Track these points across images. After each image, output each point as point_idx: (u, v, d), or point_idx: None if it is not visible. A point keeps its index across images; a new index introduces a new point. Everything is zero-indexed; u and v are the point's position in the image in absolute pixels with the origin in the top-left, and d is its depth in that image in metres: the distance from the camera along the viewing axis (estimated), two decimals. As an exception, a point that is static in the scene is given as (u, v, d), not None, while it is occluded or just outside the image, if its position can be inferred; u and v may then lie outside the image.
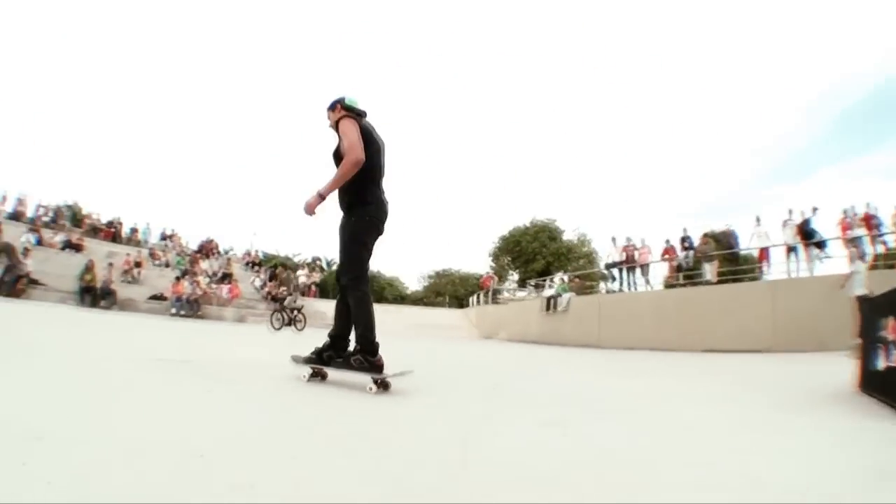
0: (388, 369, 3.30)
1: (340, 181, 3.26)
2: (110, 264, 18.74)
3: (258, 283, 22.81)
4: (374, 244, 3.47)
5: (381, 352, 3.43)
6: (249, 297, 20.69)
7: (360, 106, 3.56)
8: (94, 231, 24.86)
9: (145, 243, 25.53)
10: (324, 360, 3.40)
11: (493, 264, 34.49)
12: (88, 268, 16.89)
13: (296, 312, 15.22)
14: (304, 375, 3.49)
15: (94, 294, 16.53)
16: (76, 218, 25.21)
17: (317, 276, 27.38)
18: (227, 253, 26.45)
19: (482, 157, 72.42)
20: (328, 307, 14.81)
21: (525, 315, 18.35)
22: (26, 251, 16.41)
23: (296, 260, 35.59)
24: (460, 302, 32.26)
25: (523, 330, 17.59)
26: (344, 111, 3.47)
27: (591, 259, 31.41)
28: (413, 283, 40.72)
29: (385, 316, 18.75)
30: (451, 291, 36.24)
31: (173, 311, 17.37)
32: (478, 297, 24.96)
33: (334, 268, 14.20)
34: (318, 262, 35.34)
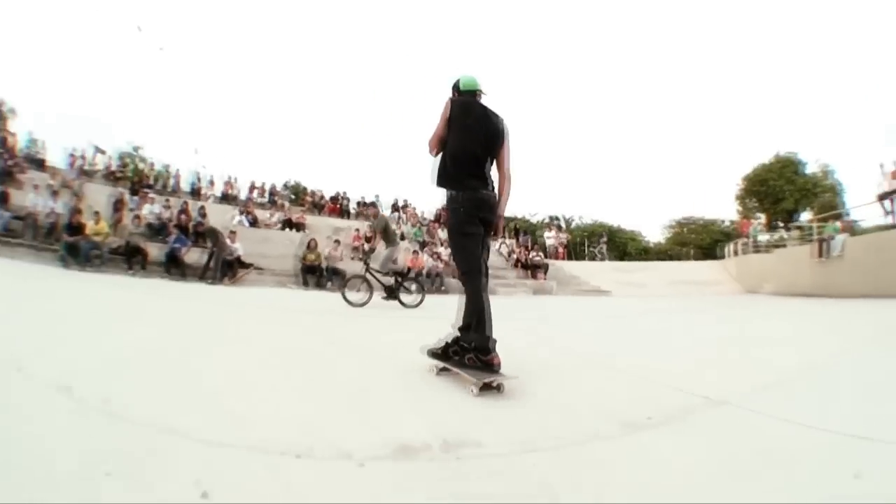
0: (504, 369, 2.86)
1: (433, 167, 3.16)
2: (336, 241, 15.20)
3: (504, 249, 19.50)
4: (480, 232, 3.12)
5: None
6: (496, 266, 17.10)
7: (481, 85, 3.29)
8: (318, 208, 21.51)
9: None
10: (448, 355, 3.11)
11: (740, 207, 32.75)
12: (310, 246, 13.82)
13: (400, 279, 9.18)
14: (433, 367, 3.23)
15: (318, 274, 13.27)
16: (297, 195, 22.96)
17: (563, 237, 23.83)
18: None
19: (715, 89, 66.81)
20: (581, 270, 18.24)
21: (793, 263, 15.76)
22: (232, 234, 13.41)
23: (533, 220, 33.81)
24: (705, 252, 30.10)
25: (791, 281, 15.10)
26: (456, 92, 3.27)
27: (836, 191, 29.16)
28: (654, 233, 39.08)
29: (640, 274, 17.99)
30: (695, 241, 33.89)
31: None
32: (734, 246, 21.23)
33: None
34: (555, 221, 32.36)
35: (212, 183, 21.62)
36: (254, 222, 17.44)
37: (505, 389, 2.78)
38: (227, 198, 20.87)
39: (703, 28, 68.68)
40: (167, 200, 15.50)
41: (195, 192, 21.13)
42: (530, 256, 18.53)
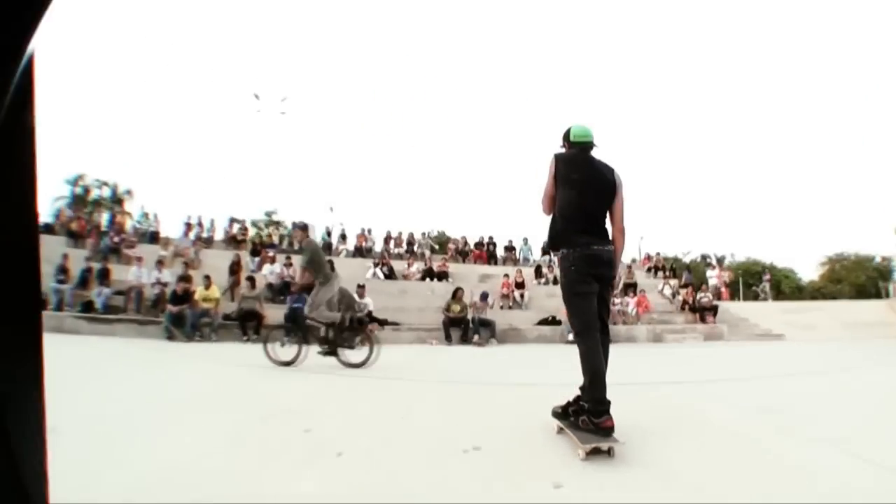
0: (618, 434, 2.77)
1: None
2: (483, 296, 12.32)
3: (668, 290, 16.88)
4: (594, 290, 3.02)
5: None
6: (661, 309, 15.72)
7: (592, 136, 3.19)
8: (462, 255, 19.63)
9: (525, 261, 19.58)
10: (568, 414, 3.10)
11: None
12: (456, 296, 11.69)
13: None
14: (556, 427, 3.19)
15: (464, 326, 10.99)
16: (441, 245, 21.88)
17: (726, 275, 20.65)
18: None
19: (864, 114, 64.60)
20: (748, 311, 16.16)
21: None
22: (361, 288, 11.67)
23: (685, 260, 33.18)
24: (859, 290, 29.30)
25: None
26: (567, 143, 3.22)
27: None
28: (807, 270, 38.65)
29: (810, 315, 16.42)
30: (851, 278, 32.99)
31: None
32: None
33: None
34: (707, 260, 31.27)
35: (343, 237, 20.57)
36: (390, 274, 15.55)
37: (616, 454, 2.65)
38: (360, 251, 19.52)
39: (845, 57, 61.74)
40: (288, 258, 14.13)
41: (326, 248, 20.26)
42: (698, 298, 15.08)
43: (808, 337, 13.91)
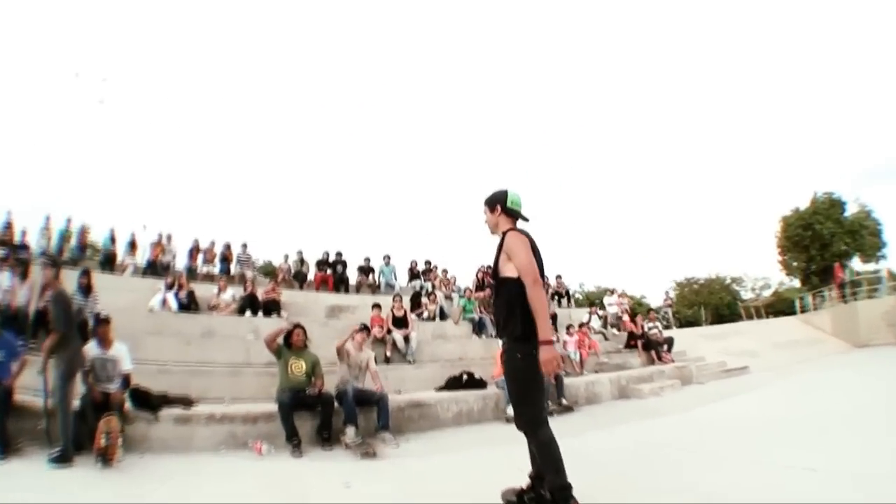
0: None
1: (542, 312, 2.93)
2: (364, 329, 8.23)
3: (596, 322, 14.80)
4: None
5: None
6: (609, 350, 12.93)
7: (524, 206, 3.30)
8: (298, 278, 15.42)
9: (387, 289, 15.94)
10: (525, 502, 3.22)
11: (785, 258, 31.54)
12: (293, 342, 6.76)
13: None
14: None
15: (322, 413, 6.20)
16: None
17: (625, 302, 17.65)
18: None
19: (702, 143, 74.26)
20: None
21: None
22: (103, 325, 9.18)
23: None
24: (718, 310, 33.49)
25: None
26: (505, 214, 3.24)
27: (875, 233, 28.93)
28: (655, 296, 40.26)
29: (735, 340, 15.52)
30: (713, 300, 35.78)
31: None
32: (815, 296, 21.97)
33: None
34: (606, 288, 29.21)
35: (133, 245, 14.67)
36: (190, 303, 10.38)
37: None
38: (155, 267, 13.86)
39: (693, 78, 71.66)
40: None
41: (108, 261, 14.19)
42: (647, 330, 13.08)
43: (764, 366, 12.77)
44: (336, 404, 5.80)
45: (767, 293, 37.73)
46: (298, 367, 5.93)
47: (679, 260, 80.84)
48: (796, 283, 33.79)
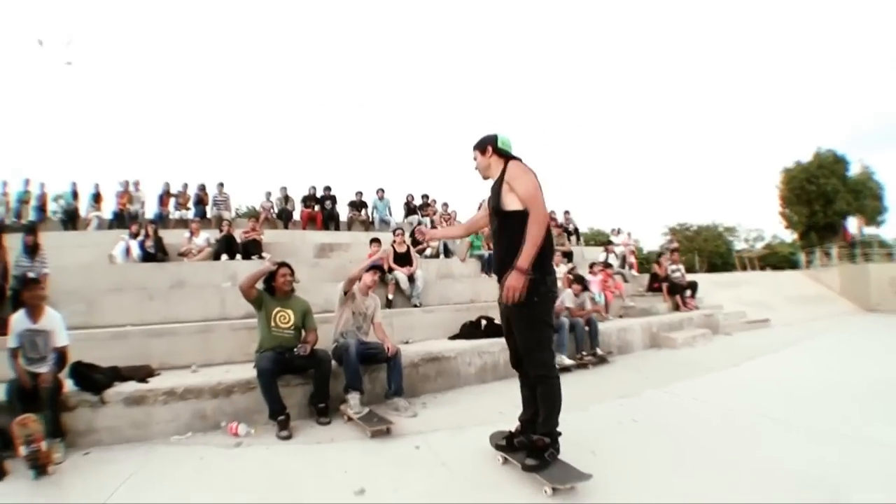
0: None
1: (535, 248, 2.73)
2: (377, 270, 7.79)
3: (613, 261, 13.43)
4: None
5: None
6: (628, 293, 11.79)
7: (514, 149, 3.15)
8: (283, 217, 14.20)
9: (382, 225, 14.58)
10: (514, 446, 3.20)
11: (786, 210, 31.11)
12: (276, 283, 5.06)
13: None
14: (499, 458, 3.26)
15: (317, 381, 4.66)
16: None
17: (633, 242, 17.72)
18: None
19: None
20: None
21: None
22: (33, 285, 7.79)
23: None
24: (711, 258, 32.92)
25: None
26: (496, 154, 3.11)
27: (877, 196, 28.96)
28: (649, 241, 40.46)
29: (747, 290, 14.65)
30: (709, 248, 35.66)
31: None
32: (825, 253, 20.90)
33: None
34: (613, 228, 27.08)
35: (97, 198, 13.15)
36: (155, 253, 9.02)
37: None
38: (122, 218, 12.42)
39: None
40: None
41: (71, 217, 12.70)
42: (671, 272, 11.71)
43: (783, 320, 12.00)
44: (334, 364, 4.56)
45: (759, 245, 38.10)
46: (284, 318, 4.62)
47: (671, 205, 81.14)
48: (789, 236, 34.13)
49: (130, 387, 4.33)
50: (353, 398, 4.33)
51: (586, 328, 7.12)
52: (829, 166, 29.28)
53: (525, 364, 3.01)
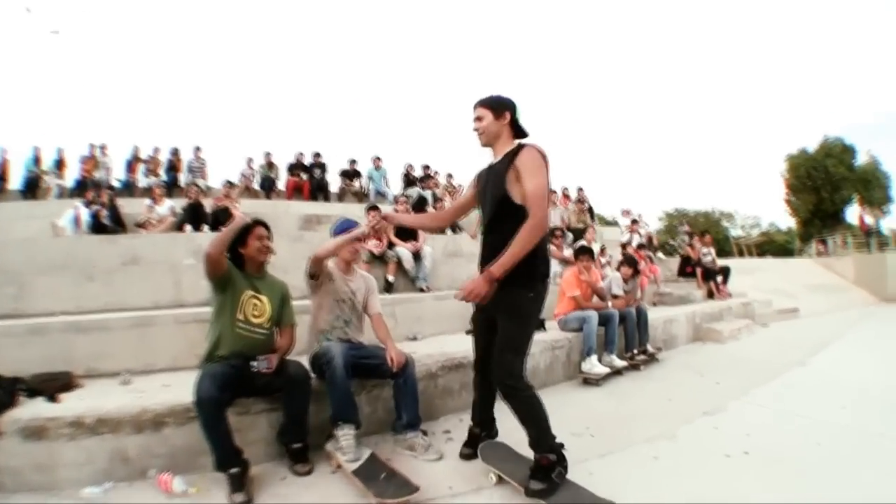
0: None
1: (523, 252, 2.40)
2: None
3: (636, 239, 12.14)
4: None
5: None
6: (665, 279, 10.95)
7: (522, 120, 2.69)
8: (265, 186, 12.96)
9: (377, 196, 13.44)
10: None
11: (793, 201, 31.95)
12: (249, 243, 3.38)
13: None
14: (491, 477, 2.78)
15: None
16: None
17: (648, 228, 15.72)
18: None
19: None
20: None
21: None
22: None
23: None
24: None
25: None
26: (510, 126, 2.66)
27: (884, 186, 29.36)
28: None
29: (762, 277, 14.08)
30: (712, 233, 32.59)
31: (590, 367, 5.36)
32: (835, 241, 21.06)
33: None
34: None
35: (60, 164, 11.71)
36: (107, 224, 7.61)
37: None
38: (86, 186, 10.84)
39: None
40: None
41: (31, 186, 11.37)
42: (699, 255, 10.98)
43: (810, 310, 11.30)
44: (314, 379, 3.17)
45: (755, 232, 38.51)
46: (258, 308, 3.15)
47: (667, 190, 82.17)
48: (789, 224, 35.30)
49: (30, 410, 2.99)
50: (345, 435, 2.94)
51: (636, 319, 5.85)
52: (838, 155, 29.94)
53: (493, 369, 2.63)
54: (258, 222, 3.21)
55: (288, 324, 3.34)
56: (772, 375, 5.33)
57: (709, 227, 37.29)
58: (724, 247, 32.22)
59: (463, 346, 4.28)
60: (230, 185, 9.07)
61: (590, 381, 4.99)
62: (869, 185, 29.20)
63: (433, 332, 5.54)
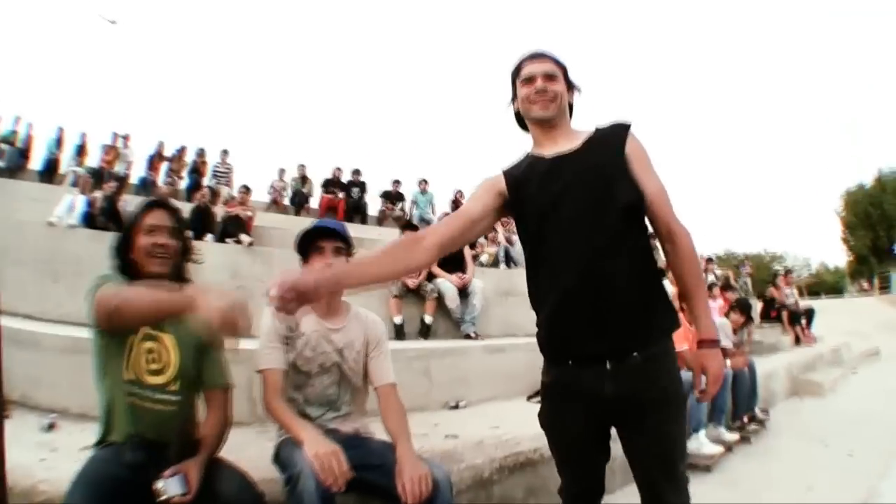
0: None
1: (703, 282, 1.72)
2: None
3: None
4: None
5: None
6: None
7: None
8: (297, 202, 12.44)
9: (422, 223, 12.01)
10: None
11: (850, 238, 31.83)
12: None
13: None
14: None
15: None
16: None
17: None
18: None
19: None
20: None
21: None
22: None
23: None
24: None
25: None
26: (570, 107, 1.78)
27: None
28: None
29: (833, 318, 13.03)
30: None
31: None
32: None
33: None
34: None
35: (82, 150, 11.16)
36: (111, 219, 6.76)
37: None
38: (101, 177, 10.22)
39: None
40: None
41: (50, 169, 11.11)
42: (784, 296, 10.40)
43: (891, 349, 11.06)
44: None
45: (806, 273, 38.40)
46: (156, 357, 1.79)
47: (714, 232, 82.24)
48: (842, 262, 35.26)
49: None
50: None
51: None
52: (894, 190, 29.65)
53: (665, 494, 1.57)
54: (154, 204, 1.95)
55: (216, 386, 1.98)
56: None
57: (761, 270, 37.05)
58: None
59: (527, 421, 2.86)
60: (246, 189, 8.13)
61: (698, 466, 3.77)
62: None
63: (482, 398, 4.25)
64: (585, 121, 1.75)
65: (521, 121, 1.76)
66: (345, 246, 2.07)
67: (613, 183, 1.56)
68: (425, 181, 12.21)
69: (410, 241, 1.66)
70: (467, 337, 5.26)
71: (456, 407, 4.00)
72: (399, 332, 5.09)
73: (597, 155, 1.61)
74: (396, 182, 12.45)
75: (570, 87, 1.74)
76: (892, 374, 8.42)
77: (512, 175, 1.69)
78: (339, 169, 12.06)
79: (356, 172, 12.14)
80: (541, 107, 1.64)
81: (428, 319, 5.22)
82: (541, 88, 1.63)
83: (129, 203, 7.76)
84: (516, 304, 6.11)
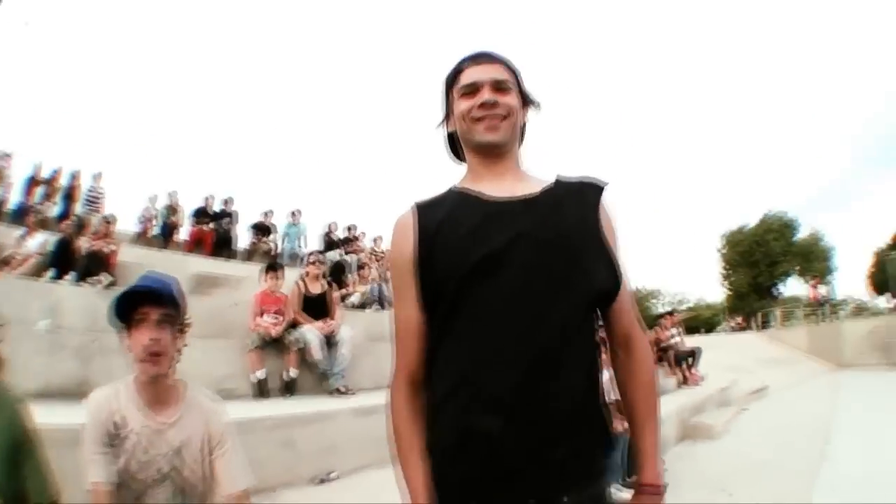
0: None
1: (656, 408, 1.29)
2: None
3: None
4: None
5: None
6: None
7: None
8: (166, 233, 11.76)
9: (291, 259, 12.02)
10: None
11: (727, 271, 34.18)
12: None
13: None
14: None
15: None
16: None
17: None
18: None
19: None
20: None
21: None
22: None
23: None
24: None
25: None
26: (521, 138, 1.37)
27: (825, 258, 31.10)
28: None
29: (710, 355, 11.43)
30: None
31: None
32: (784, 314, 23.10)
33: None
34: None
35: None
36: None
37: None
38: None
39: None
40: None
41: None
42: (668, 337, 10.06)
43: (779, 385, 11.66)
44: None
45: (683, 308, 39.48)
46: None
47: None
48: (712, 299, 37.13)
49: None
50: None
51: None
52: (777, 230, 31.69)
53: None
54: None
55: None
56: (809, 481, 4.62)
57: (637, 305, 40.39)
58: (651, 324, 34.69)
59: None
60: (108, 220, 7.68)
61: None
62: (809, 257, 30.85)
63: (355, 466, 3.98)
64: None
65: (454, 146, 1.35)
66: (174, 312, 1.70)
67: (582, 257, 1.17)
68: (298, 212, 12.16)
69: (413, 411, 1.27)
70: (338, 391, 5.21)
71: (323, 481, 3.73)
72: (261, 389, 4.93)
73: (560, 214, 1.19)
74: (267, 213, 12.24)
75: (526, 101, 1.33)
76: (782, 412, 8.52)
77: (430, 212, 1.22)
78: (210, 197, 11.67)
79: (227, 201, 11.83)
80: (487, 127, 1.21)
81: (291, 374, 5.18)
82: (489, 101, 1.21)
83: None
84: (389, 351, 6.29)
